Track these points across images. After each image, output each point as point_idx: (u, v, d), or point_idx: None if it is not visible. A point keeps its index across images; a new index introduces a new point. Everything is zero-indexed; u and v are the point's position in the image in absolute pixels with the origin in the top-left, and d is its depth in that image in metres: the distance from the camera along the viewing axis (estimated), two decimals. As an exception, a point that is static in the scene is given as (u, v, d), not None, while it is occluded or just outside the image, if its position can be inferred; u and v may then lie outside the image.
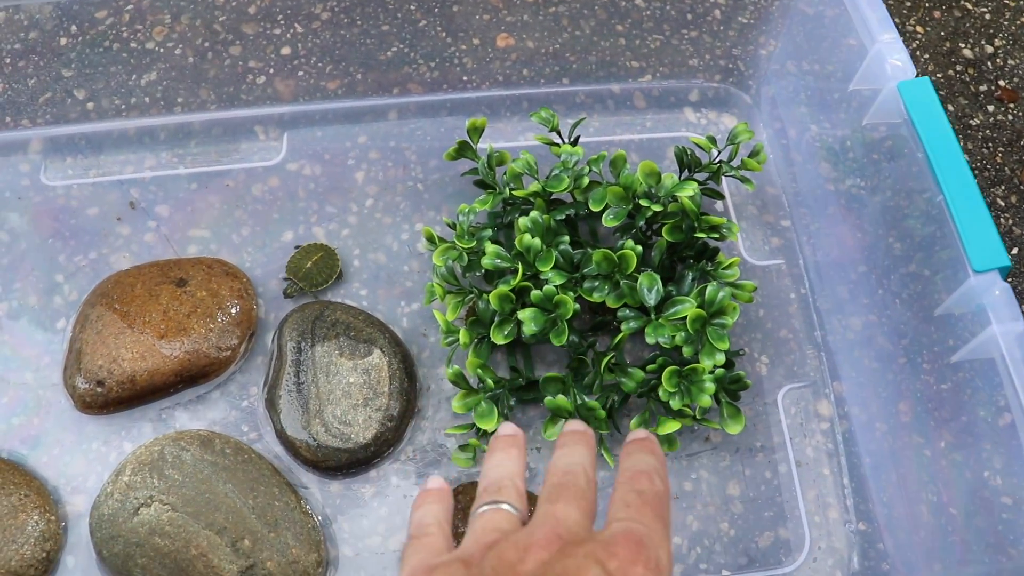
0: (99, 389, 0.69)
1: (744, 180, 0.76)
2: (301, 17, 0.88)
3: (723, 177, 0.80)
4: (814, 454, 0.71)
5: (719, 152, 0.75)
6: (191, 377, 0.70)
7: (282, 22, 0.87)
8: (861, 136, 0.71)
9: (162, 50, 0.87)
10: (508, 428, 0.46)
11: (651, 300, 0.65)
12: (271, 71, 0.87)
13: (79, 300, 0.75)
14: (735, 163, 0.76)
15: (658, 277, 0.65)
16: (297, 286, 0.74)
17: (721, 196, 0.78)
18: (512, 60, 0.87)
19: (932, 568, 0.66)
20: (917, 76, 0.63)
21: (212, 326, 0.71)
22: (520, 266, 0.66)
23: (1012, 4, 0.97)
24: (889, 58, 0.63)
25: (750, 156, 0.75)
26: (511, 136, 0.84)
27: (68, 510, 0.67)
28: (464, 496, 0.66)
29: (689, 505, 0.69)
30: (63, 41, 0.86)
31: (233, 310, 0.72)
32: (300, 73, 0.87)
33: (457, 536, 0.63)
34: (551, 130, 0.75)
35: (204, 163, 0.82)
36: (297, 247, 0.77)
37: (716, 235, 0.69)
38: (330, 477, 0.69)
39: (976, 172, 0.87)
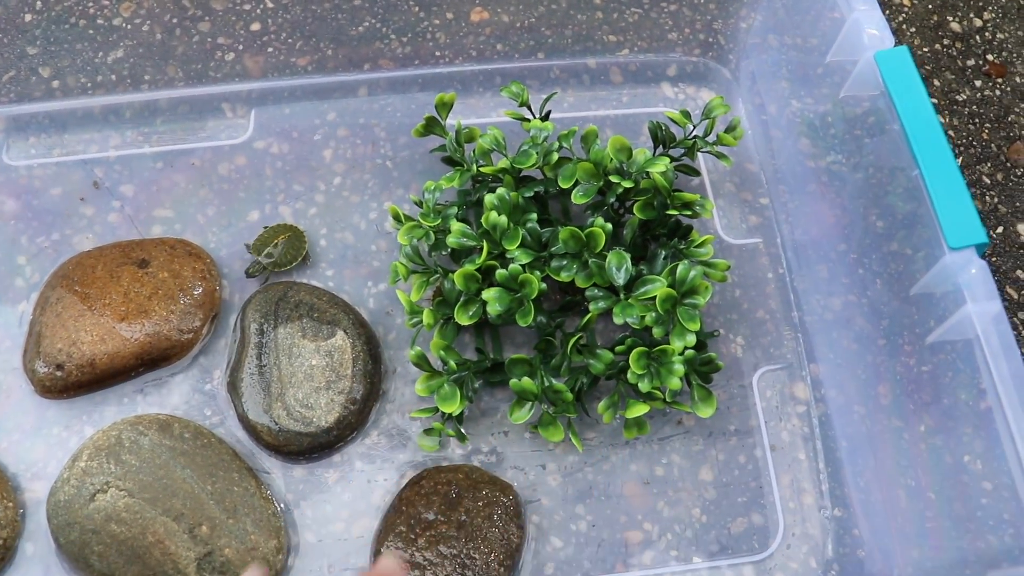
0: (58, 373, 0.67)
1: (720, 156, 0.73)
2: (271, -9, 0.85)
3: (700, 153, 0.77)
4: (789, 438, 0.69)
5: (694, 127, 0.72)
6: (152, 360, 0.68)
7: (252, -3, 0.85)
8: (841, 111, 0.69)
9: (129, 26, 0.84)
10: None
11: (620, 279, 0.63)
12: (240, 47, 0.84)
13: (41, 282, 0.72)
14: (711, 139, 0.73)
15: (627, 256, 0.63)
16: (260, 265, 0.71)
17: (697, 173, 0.75)
18: (486, 34, 0.85)
19: (909, 554, 0.64)
20: (897, 46, 0.60)
21: (174, 308, 0.69)
22: (486, 244, 0.64)
23: (1002, -24, 0.94)
24: (866, 28, 0.60)
25: (727, 131, 0.73)
26: (483, 112, 0.81)
27: (27, 497, 0.66)
28: (429, 481, 0.64)
29: (660, 491, 0.67)
30: (28, 17, 0.83)
31: (196, 291, 0.70)
32: (270, 49, 0.84)
33: (422, 522, 0.61)
34: (521, 104, 0.72)
35: (170, 142, 0.80)
36: (265, 227, 0.74)
37: (689, 212, 0.67)
38: (293, 462, 0.67)
39: (962, 149, 0.84)
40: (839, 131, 0.70)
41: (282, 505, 0.65)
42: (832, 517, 0.67)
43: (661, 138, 0.72)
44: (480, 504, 0.62)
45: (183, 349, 0.69)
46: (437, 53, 0.84)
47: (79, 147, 0.79)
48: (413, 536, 0.61)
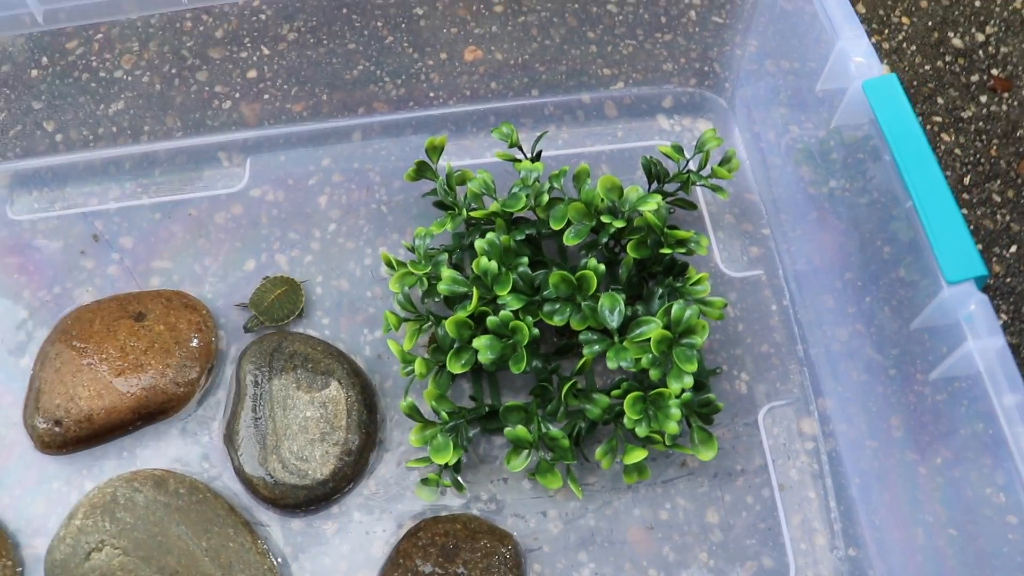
0: (57, 428, 0.66)
1: (716, 189, 0.71)
2: (267, 39, 0.85)
3: (696, 187, 0.75)
4: (798, 476, 0.66)
5: (687, 161, 0.71)
6: (149, 414, 0.67)
7: (248, 45, 0.85)
8: (840, 136, 0.67)
9: (130, 78, 0.84)
10: None
11: (613, 322, 0.61)
12: (237, 95, 0.84)
13: (42, 336, 0.72)
14: (706, 171, 0.71)
15: (620, 298, 0.61)
16: (258, 320, 0.70)
17: (694, 207, 0.73)
18: (480, 73, 0.84)
19: (926, 594, 0.61)
20: (895, 71, 0.58)
21: (169, 361, 0.68)
22: (476, 291, 0.62)
23: (1005, -10, 0.91)
24: (853, 56, 0.58)
25: (721, 163, 0.71)
26: (477, 153, 0.80)
27: (27, 553, 0.65)
28: (426, 532, 0.62)
29: (665, 535, 0.64)
30: (34, 73, 0.84)
31: (192, 343, 0.69)
32: (266, 96, 0.84)
33: (414, 571, 0.59)
34: (511, 145, 0.71)
35: (168, 192, 0.79)
36: (265, 278, 0.73)
37: (683, 250, 0.65)
38: (291, 515, 0.65)
39: (969, 167, 0.82)
40: (839, 157, 0.68)
41: (279, 559, 0.64)
42: (846, 558, 0.64)
43: (655, 174, 0.71)
44: (479, 555, 0.61)
45: (180, 402, 0.68)
46: (431, 94, 0.83)
47: (80, 200, 0.79)
48: (410, 590, 0.60)
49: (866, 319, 0.66)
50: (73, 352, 0.68)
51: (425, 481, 0.64)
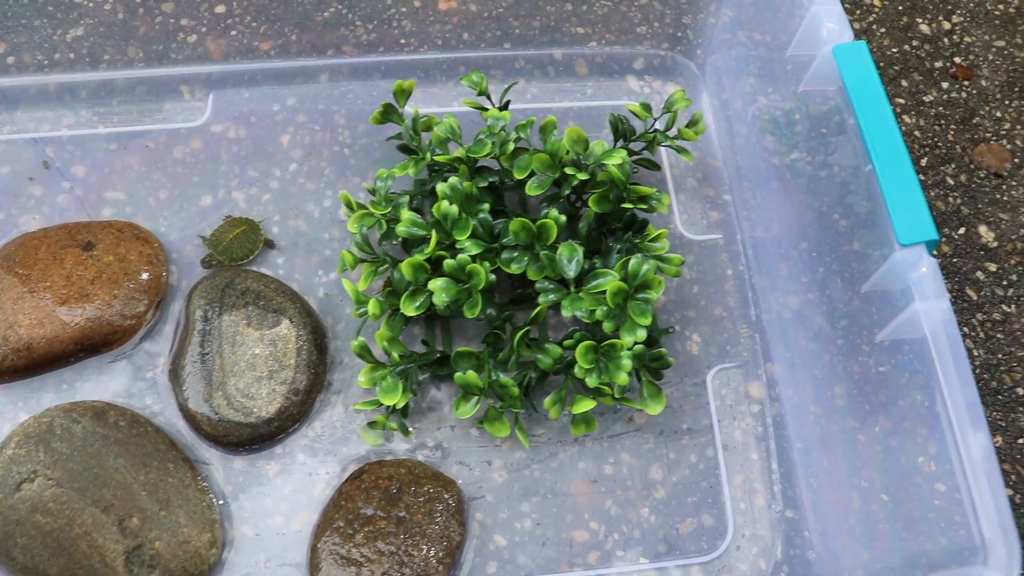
0: (-5, 356, 0.63)
1: (680, 150, 0.70)
2: (237, -26, 0.81)
3: (662, 148, 0.74)
4: (743, 437, 0.66)
5: (655, 120, 0.69)
6: (93, 346, 0.65)
7: (216, -21, 0.81)
8: (806, 108, 0.65)
9: (91, 4, 0.80)
10: None
11: (571, 272, 0.59)
12: (203, 29, 0.80)
13: (-16, 263, 0.69)
14: (672, 133, 0.70)
15: (579, 248, 0.59)
16: (216, 259, 0.68)
17: (657, 167, 0.72)
18: (453, 23, 0.81)
19: (858, 556, 0.61)
20: (857, 42, 0.57)
21: (117, 292, 0.65)
22: (434, 234, 0.60)
23: (973, -22, 0.90)
24: (825, 21, 0.57)
25: (688, 125, 0.70)
26: (444, 102, 0.78)
27: (-41, 482, 0.62)
28: (370, 475, 0.60)
29: (608, 489, 0.63)
30: (-12, -7, 0.79)
31: (141, 276, 0.66)
32: (233, 32, 0.80)
33: (360, 517, 0.58)
34: (480, 93, 0.69)
35: (125, 123, 0.76)
36: (227, 217, 0.71)
37: (645, 206, 0.63)
38: (234, 453, 0.63)
39: (927, 149, 0.81)
40: (803, 129, 0.67)
41: (220, 499, 0.62)
42: (783, 518, 0.64)
43: (622, 131, 0.69)
44: (421, 500, 0.59)
45: (125, 335, 0.65)
46: (402, 41, 0.81)
47: (30, 125, 0.75)
48: (351, 532, 0.58)
49: (819, 288, 0.65)
50: (15, 279, 0.65)
51: (372, 424, 0.62)
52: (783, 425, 0.66)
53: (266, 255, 0.70)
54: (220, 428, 0.61)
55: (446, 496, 0.60)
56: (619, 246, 0.63)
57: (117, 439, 0.59)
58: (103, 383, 0.65)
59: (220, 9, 0.81)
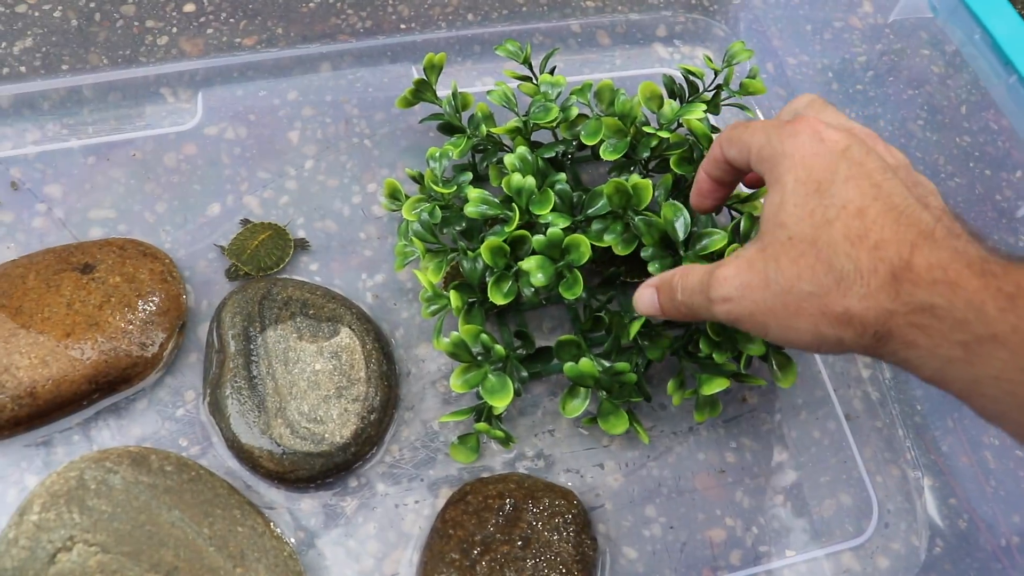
0: (-13, 410, 0.51)
1: (743, 107, 0.64)
2: (203, -34, 0.72)
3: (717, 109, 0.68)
4: (862, 405, 0.59)
5: (716, 75, 0.63)
6: (109, 384, 0.53)
7: (180, -27, 0.71)
8: (864, 58, 0.61)
9: (37, 13, 0.69)
10: None
11: (680, 233, 0.52)
12: (174, 30, 0.70)
13: (-49, 305, 0.56)
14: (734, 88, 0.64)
15: (683, 207, 0.52)
16: (242, 270, 0.57)
17: (717, 129, 0.65)
18: (454, 5, 0.73)
19: (1010, 520, 0.55)
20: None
21: (132, 318, 0.54)
22: (517, 209, 0.52)
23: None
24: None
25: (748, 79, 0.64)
26: (466, 82, 0.69)
27: (-46, 571, 0.49)
28: (475, 496, 0.51)
29: (736, 479, 0.56)
30: (-91, 7, 0.67)
31: (156, 298, 0.55)
32: (209, 31, 0.70)
33: (477, 545, 0.48)
34: (523, 62, 0.61)
35: (101, 133, 0.64)
36: (244, 223, 0.60)
37: (733, 162, 0.57)
38: (300, 491, 0.52)
39: None
40: (862, 79, 0.62)
41: (293, 544, 0.51)
42: (923, 487, 0.57)
43: (678, 92, 0.63)
44: (545, 515, 0.50)
45: (147, 367, 0.54)
46: (402, 26, 0.72)
47: (-13, 145, 0.63)
48: (469, 563, 0.48)
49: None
50: (3, 313, 0.53)
51: (463, 438, 0.53)
52: (898, 388, 0.60)
53: (295, 262, 0.60)
54: (286, 462, 0.50)
55: (569, 508, 0.51)
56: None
57: (167, 488, 0.48)
58: (124, 428, 0.53)
59: (189, 8, 0.71)
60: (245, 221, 0.60)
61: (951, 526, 0.56)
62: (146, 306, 0.54)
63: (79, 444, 0.53)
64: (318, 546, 0.51)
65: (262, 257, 0.58)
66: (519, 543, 0.48)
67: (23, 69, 0.67)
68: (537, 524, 0.49)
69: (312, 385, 0.52)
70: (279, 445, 0.50)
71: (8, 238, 0.59)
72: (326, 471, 0.51)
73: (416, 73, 0.69)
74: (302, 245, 0.60)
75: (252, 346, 0.53)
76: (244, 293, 0.55)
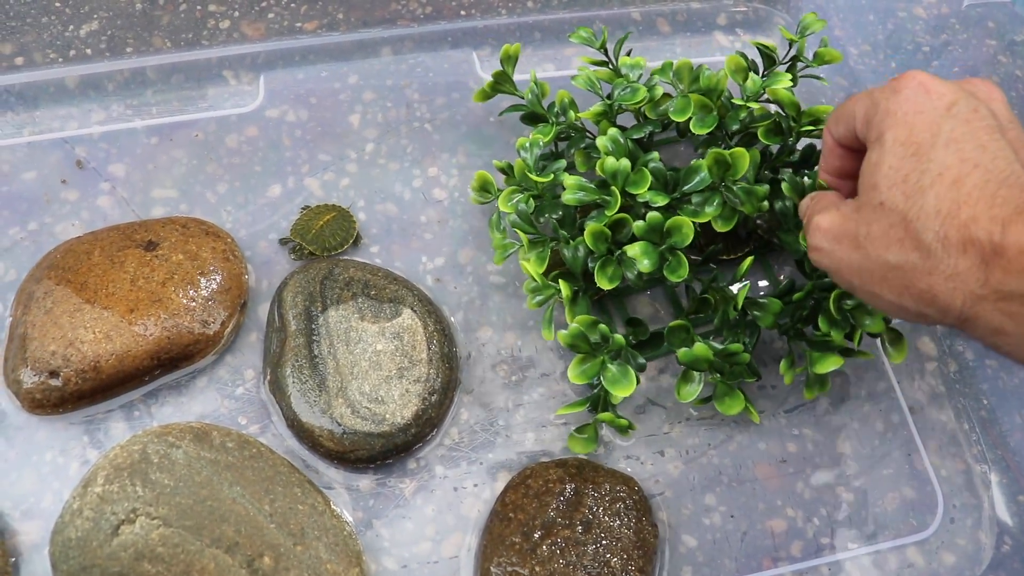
0: (53, 382, 0.50)
1: (818, 77, 0.61)
2: (266, -48, 0.71)
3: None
4: (927, 398, 0.57)
5: (791, 45, 0.60)
6: (171, 360, 0.52)
7: (244, -41, 0.71)
8: (930, 48, 0.59)
9: (102, -3, 0.69)
10: None
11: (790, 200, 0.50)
12: (236, 14, 0.69)
13: (19, 279, 0.56)
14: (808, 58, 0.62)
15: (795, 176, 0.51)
16: (306, 250, 0.57)
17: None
18: (514, -9, 0.72)
19: (1082, 519, 0.53)
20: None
21: (194, 295, 0.53)
22: (616, 192, 0.51)
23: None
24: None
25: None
26: (523, 68, 0.68)
27: (21, 540, 0.49)
28: (536, 480, 0.50)
29: (797, 469, 0.54)
30: (-20, -10, 0.67)
31: (218, 276, 0.54)
32: (270, 15, 0.70)
33: (538, 528, 0.47)
34: (600, 48, 0.60)
35: (164, 114, 0.64)
36: (304, 207, 0.60)
37: (818, 131, 0.55)
38: (359, 472, 0.51)
39: None
40: (926, 69, 0.60)
41: (351, 524, 0.50)
42: (990, 482, 0.55)
43: (752, 68, 0.61)
44: (606, 500, 0.49)
45: (208, 345, 0.53)
46: (462, 12, 0.71)
47: (54, 124, 0.63)
48: (530, 547, 0.47)
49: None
50: (68, 288, 0.52)
51: (580, 429, 0.52)
52: (964, 381, 0.58)
53: (356, 244, 0.59)
54: (346, 442, 0.50)
55: (630, 494, 0.49)
56: (811, 179, 0.53)
57: (228, 464, 0.47)
58: (184, 405, 0.53)
59: (251, -9, 0.70)
60: (305, 207, 0.60)
61: (1020, 524, 0.53)
62: (209, 284, 0.54)
63: (140, 420, 0.52)
64: (376, 527, 0.50)
65: (327, 237, 0.57)
66: (580, 528, 0.47)
67: (89, 51, 0.67)
68: (598, 509, 0.48)
69: (373, 365, 0.51)
70: (339, 424, 0.50)
71: (73, 215, 0.59)
72: (386, 452, 0.50)
73: (477, 59, 0.68)
74: (355, 241, 0.59)
75: (313, 325, 0.52)
76: (306, 273, 0.55)
